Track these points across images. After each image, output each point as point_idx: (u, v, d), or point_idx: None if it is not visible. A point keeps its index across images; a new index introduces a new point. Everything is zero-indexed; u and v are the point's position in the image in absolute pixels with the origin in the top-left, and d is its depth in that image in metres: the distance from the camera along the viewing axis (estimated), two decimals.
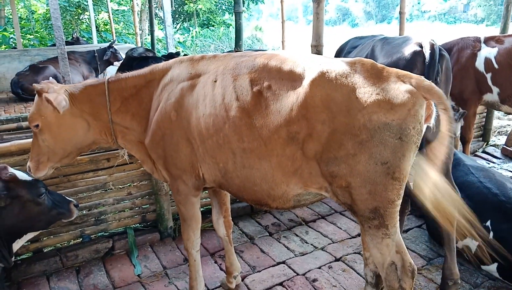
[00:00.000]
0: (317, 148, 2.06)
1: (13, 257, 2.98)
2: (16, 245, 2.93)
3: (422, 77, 2.00)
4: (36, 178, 2.77)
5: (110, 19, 14.87)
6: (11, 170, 2.79)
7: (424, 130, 2.05)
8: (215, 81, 2.38)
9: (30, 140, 3.25)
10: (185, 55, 6.84)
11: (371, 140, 1.95)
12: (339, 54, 4.53)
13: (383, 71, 2.02)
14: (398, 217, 2.12)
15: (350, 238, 3.97)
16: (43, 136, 2.60)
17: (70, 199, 3.11)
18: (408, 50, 3.06)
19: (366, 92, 1.96)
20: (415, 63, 2.98)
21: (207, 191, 3.93)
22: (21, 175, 2.82)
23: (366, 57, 3.44)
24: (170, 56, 7.22)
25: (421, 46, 3.03)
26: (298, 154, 2.12)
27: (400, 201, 2.08)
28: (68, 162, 2.87)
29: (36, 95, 2.57)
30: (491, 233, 3.22)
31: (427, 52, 2.95)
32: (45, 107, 2.53)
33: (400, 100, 1.93)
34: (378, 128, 1.94)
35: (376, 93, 1.95)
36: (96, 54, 9.64)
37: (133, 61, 7.34)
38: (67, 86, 2.67)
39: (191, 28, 22.26)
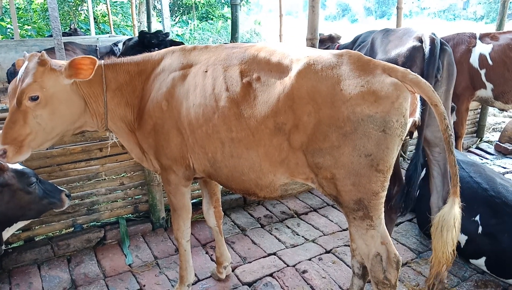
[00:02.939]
0: (303, 139, 2.08)
1: (4, 245, 3.00)
2: (6, 234, 2.95)
3: (408, 70, 2.01)
4: (13, 164, 2.56)
5: (108, 11, 14.81)
6: None
7: (409, 123, 2.06)
8: (206, 72, 2.40)
9: None
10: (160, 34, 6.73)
11: (355, 132, 1.97)
12: (351, 46, 4.45)
13: (369, 64, 2.03)
14: (383, 209, 2.14)
15: (341, 231, 4.01)
16: (38, 111, 2.33)
17: (61, 188, 3.12)
18: (407, 46, 2.87)
19: (351, 84, 1.98)
20: (414, 59, 2.81)
21: (198, 182, 3.96)
22: (11, 164, 2.82)
23: (366, 51, 3.31)
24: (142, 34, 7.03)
25: (420, 41, 2.84)
26: (285, 144, 2.14)
27: (385, 193, 2.09)
28: (47, 146, 2.64)
29: (37, 64, 2.33)
30: (480, 228, 3.25)
31: (426, 48, 2.76)
32: (47, 78, 2.33)
33: (384, 93, 1.94)
34: (362, 120, 1.95)
35: (361, 85, 1.96)
36: (97, 49, 9.59)
37: (131, 50, 7.31)
38: (65, 62, 2.50)
39: (189, 21, 22.15)
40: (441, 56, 2.81)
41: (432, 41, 2.78)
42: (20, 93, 2.28)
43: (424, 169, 3.47)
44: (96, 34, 14.18)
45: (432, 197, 3.11)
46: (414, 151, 2.86)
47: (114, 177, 3.84)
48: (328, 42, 5.45)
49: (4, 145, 2.30)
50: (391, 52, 2.94)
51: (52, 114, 2.39)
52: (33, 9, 17.91)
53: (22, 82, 2.30)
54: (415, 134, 2.95)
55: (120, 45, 9.90)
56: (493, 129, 7.23)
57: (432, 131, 2.87)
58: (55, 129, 2.45)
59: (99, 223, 3.88)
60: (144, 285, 3.22)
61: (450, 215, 2.08)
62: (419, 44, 2.82)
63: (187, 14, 23.47)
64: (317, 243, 3.79)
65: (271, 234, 3.96)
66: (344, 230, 4.02)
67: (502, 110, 5.05)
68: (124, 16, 19.99)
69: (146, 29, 13.46)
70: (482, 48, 4.77)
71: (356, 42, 4.31)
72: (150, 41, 6.68)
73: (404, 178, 2.97)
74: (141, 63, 2.63)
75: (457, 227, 2.09)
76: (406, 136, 2.91)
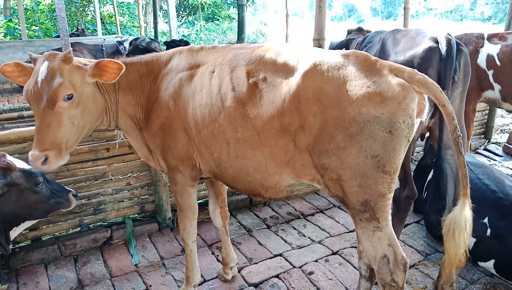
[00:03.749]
0: (309, 140, 2.07)
1: (11, 245, 3.01)
2: (14, 233, 2.96)
3: (415, 70, 1.99)
4: (48, 169, 2.31)
5: (115, 12, 14.90)
6: (9, 158, 2.80)
7: (416, 124, 2.04)
8: (213, 72, 2.40)
9: (30, 128, 3.28)
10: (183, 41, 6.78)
11: (361, 133, 1.95)
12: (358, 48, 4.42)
13: (376, 64, 2.02)
14: (389, 211, 2.13)
15: (347, 232, 3.99)
16: (72, 110, 2.26)
17: (69, 188, 3.13)
18: (422, 47, 2.78)
19: (357, 85, 1.96)
20: (430, 61, 2.72)
21: (204, 183, 3.95)
22: (19, 163, 2.83)
23: (375, 52, 3.25)
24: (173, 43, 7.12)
25: (436, 42, 2.75)
26: (291, 145, 2.13)
27: (392, 194, 2.08)
28: (75, 147, 2.55)
29: (62, 62, 2.24)
30: (488, 230, 3.21)
31: (443, 49, 2.69)
32: (75, 75, 2.27)
33: (390, 94, 1.93)
34: (368, 121, 1.94)
35: (367, 86, 1.95)
36: (103, 49, 9.67)
37: (139, 50, 7.39)
38: (85, 60, 2.48)
39: (196, 22, 22.21)
40: (458, 56, 2.75)
41: (449, 41, 2.72)
42: (53, 94, 2.17)
43: (432, 171, 3.44)
44: (103, 35, 14.27)
45: None
46: (437, 155, 2.80)
47: (120, 177, 3.85)
48: (355, 34, 5.39)
49: (43, 152, 2.20)
50: (406, 53, 2.86)
51: (83, 112, 2.35)
52: (40, 9, 18.05)
53: (49, 83, 2.19)
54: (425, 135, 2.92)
55: (126, 44, 9.98)
56: (501, 130, 7.17)
57: (446, 133, 2.80)
58: (85, 127, 2.42)
59: (105, 223, 3.89)
60: (150, 285, 3.22)
61: (461, 217, 2.06)
62: (435, 44, 2.75)
63: (193, 14, 23.54)
64: (323, 245, 3.77)
65: (277, 235, 3.95)
66: (351, 231, 4.00)
67: (510, 111, 4.99)
68: (131, 17, 20.11)
69: (152, 30, 13.52)
70: (490, 49, 4.72)
71: (362, 43, 4.28)
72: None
73: (434, 182, 2.91)
74: (150, 63, 2.64)
75: (468, 229, 2.07)
76: (418, 138, 2.88)
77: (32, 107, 2.25)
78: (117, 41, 9.91)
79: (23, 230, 3.22)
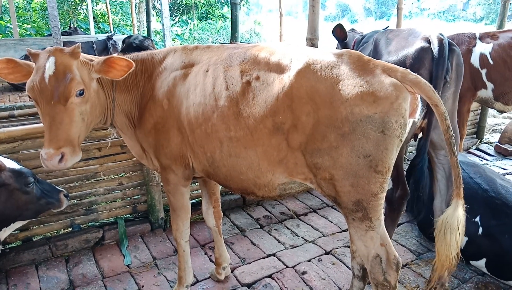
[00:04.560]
0: (302, 139, 2.06)
1: (1, 245, 2.98)
2: (4, 234, 2.92)
3: (408, 70, 1.99)
4: (63, 167, 2.24)
5: (108, 10, 14.83)
6: None
7: (409, 124, 2.04)
8: (207, 71, 2.39)
9: (21, 127, 3.25)
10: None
11: (353, 132, 1.95)
12: (356, 46, 4.41)
13: (369, 63, 2.02)
14: (382, 210, 2.13)
15: (340, 232, 3.99)
16: (83, 106, 2.23)
17: (60, 188, 3.10)
18: (414, 47, 2.77)
19: (350, 85, 1.96)
20: (422, 61, 2.72)
21: (197, 182, 3.94)
22: (9, 163, 2.80)
23: (369, 52, 3.24)
24: None
25: (428, 42, 2.75)
26: (283, 144, 2.12)
27: (384, 194, 2.08)
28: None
29: (70, 57, 2.18)
30: (480, 229, 3.23)
31: (435, 49, 2.68)
32: (83, 70, 2.23)
33: (383, 93, 1.92)
34: (360, 120, 1.93)
35: (360, 85, 1.95)
36: (94, 46, 9.61)
37: (133, 49, 7.38)
38: (91, 56, 2.43)
39: (189, 21, 22.15)
40: (450, 56, 2.74)
41: (441, 41, 2.71)
42: (66, 90, 2.12)
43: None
44: (95, 34, 14.17)
45: (436, 201, 3.07)
46: (420, 154, 2.81)
47: (112, 177, 3.82)
48: (349, 32, 5.37)
49: (59, 149, 2.14)
50: (398, 54, 2.86)
51: (91, 108, 2.32)
52: (32, 8, 17.88)
53: (59, 79, 2.12)
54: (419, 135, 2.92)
55: (115, 38, 9.92)
56: (492, 130, 7.22)
57: (439, 134, 2.80)
58: (92, 123, 2.40)
59: (97, 223, 3.86)
60: (142, 286, 3.20)
61: (453, 217, 2.06)
62: (427, 45, 2.74)
63: (187, 13, 23.47)
64: (316, 244, 3.77)
65: (271, 235, 3.94)
66: (343, 231, 4.00)
67: (501, 111, 5.02)
68: (124, 16, 19.98)
69: (145, 28, 13.48)
70: (483, 48, 4.75)
71: (361, 42, 4.28)
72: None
73: (414, 183, 2.91)
74: (145, 61, 2.62)
75: (461, 230, 2.06)
76: (411, 138, 2.89)
77: (39, 104, 2.17)
78: (106, 36, 9.86)
79: (14, 231, 3.18)
